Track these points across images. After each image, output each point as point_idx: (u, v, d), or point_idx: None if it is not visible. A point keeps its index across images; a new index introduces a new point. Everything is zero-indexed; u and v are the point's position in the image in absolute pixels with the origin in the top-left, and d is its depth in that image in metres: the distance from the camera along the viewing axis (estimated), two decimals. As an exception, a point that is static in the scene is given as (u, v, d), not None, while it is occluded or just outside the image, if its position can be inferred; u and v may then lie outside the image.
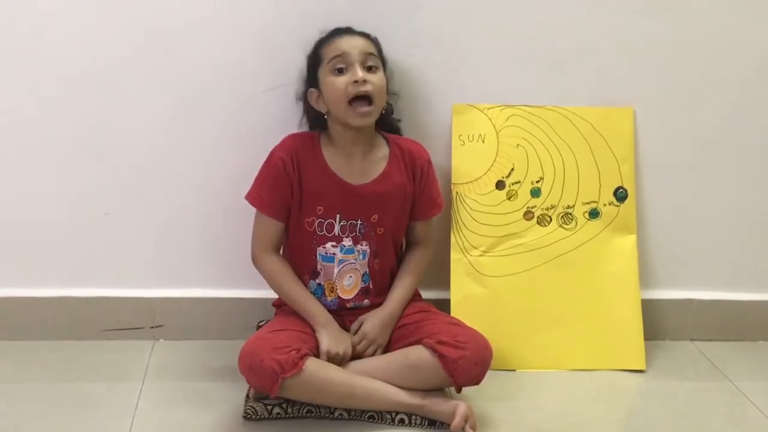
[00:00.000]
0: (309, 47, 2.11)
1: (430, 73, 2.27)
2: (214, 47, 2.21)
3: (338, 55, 2.03)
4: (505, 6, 2.26)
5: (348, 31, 2.08)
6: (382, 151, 2.14)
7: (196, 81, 2.22)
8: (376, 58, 2.06)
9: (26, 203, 2.27)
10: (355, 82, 2.00)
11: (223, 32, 2.21)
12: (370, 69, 2.04)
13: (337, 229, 2.10)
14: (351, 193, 2.09)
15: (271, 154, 2.10)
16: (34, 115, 2.22)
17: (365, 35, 2.08)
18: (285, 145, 2.10)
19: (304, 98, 2.13)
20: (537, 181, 2.33)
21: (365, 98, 2.02)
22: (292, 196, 2.08)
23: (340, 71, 2.03)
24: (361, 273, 2.13)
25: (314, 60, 2.08)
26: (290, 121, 2.19)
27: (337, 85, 2.02)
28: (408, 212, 2.17)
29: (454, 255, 2.31)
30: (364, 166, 2.11)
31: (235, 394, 2.05)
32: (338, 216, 2.09)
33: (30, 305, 2.29)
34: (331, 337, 2.02)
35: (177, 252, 2.34)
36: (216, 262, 2.34)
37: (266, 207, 2.10)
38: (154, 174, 2.28)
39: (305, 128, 2.18)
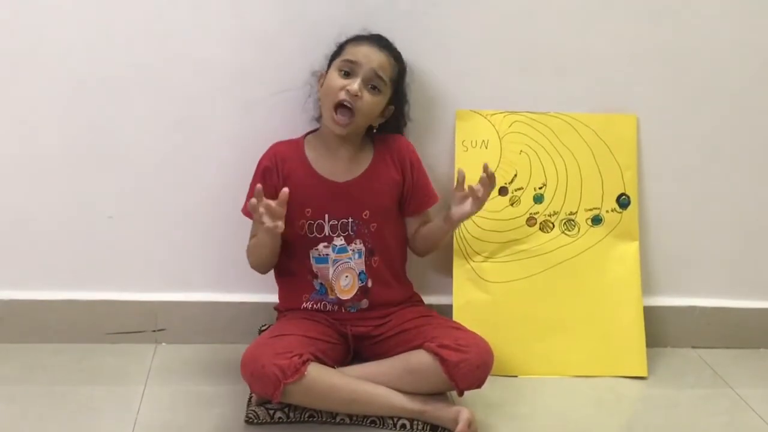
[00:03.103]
0: (342, 38, 2.13)
1: (434, 79, 2.27)
2: (219, 53, 2.22)
3: (351, 61, 2.05)
4: (509, 13, 2.26)
5: (380, 43, 2.09)
6: (368, 149, 2.17)
7: (200, 86, 2.23)
8: (384, 82, 2.07)
9: (30, 206, 2.27)
10: (348, 91, 2.02)
11: (229, 38, 2.21)
12: (373, 88, 2.05)
13: (327, 229, 2.11)
14: (338, 192, 2.11)
15: (258, 164, 2.14)
16: (38, 120, 2.22)
17: (393, 56, 2.09)
18: (269, 152, 2.14)
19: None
20: (540, 188, 2.34)
21: (349, 109, 2.04)
22: None
23: (346, 74, 2.05)
24: (357, 272, 2.14)
25: (337, 50, 2.11)
26: (294, 127, 2.20)
27: (333, 83, 2.05)
28: (400, 207, 2.18)
29: (457, 261, 2.32)
30: (351, 165, 2.14)
31: (237, 398, 2.06)
32: (327, 216, 2.10)
33: (33, 308, 2.29)
34: None
35: (180, 256, 2.34)
36: (219, 265, 2.35)
37: None
38: (158, 178, 2.28)
39: (311, 117, 2.21)
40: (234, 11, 2.20)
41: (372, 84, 2.06)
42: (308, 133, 2.19)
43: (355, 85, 2.03)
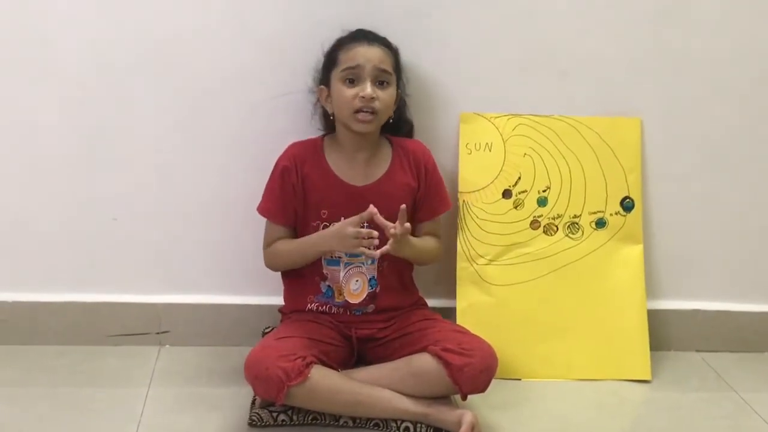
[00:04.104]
0: (327, 44, 2.12)
1: (438, 81, 2.27)
2: (222, 55, 2.22)
3: (352, 67, 2.04)
4: (513, 16, 2.26)
5: (368, 38, 2.08)
6: (386, 153, 2.17)
7: (204, 88, 2.23)
8: (389, 74, 2.07)
9: (34, 208, 2.28)
10: (363, 97, 2.03)
11: (231, 40, 2.21)
12: (381, 84, 2.06)
13: None
14: (355, 195, 2.10)
15: (276, 164, 2.13)
16: (42, 122, 2.23)
17: (385, 45, 2.09)
18: (288, 153, 2.14)
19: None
20: (544, 191, 2.34)
21: (370, 113, 2.05)
22: (297, 202, 2.10)
23: (351, 82, 2.05)
24: (368, 277, 2.14)
25: (330, 61, 2.10)
26: (298, 129, 2.20)
27: (345, 95, 2.05)
28: (414, 212, 2.17)
29: (460, 263, 2.32)
30: (368, 169, 2.14)
31: (240, 400, 2.06)
32: (342, 219, 2.09)
33: (36, 310, 2.30)
34: (338, 231, 2.02)
35: (183, 258, 2.34)
36: (222, 268, 2.35)
37: (274, 215, 2.13)
38: (161, 180, 2.28)
39: (314, 126, 2.21)
40: (236, 13, 2.20)
41: (380, 80, 2.06)
42: (325, 135, 2.19)
43: (368, 89, 2.03)
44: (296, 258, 2.13)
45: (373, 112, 2.05)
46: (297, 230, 2.15)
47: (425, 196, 2.16)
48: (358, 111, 2.04)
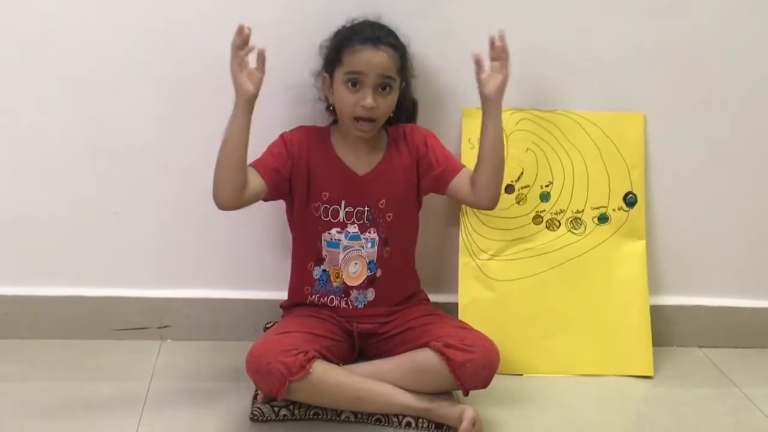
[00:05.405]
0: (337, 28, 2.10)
1: (441, 76, 2.27)
2: (224, 48, 2.21)
3: (355, 72, 2.03)
4: (516, 10, 2.26)
5: (375, 39, 2.04)
6: (383, 139, 2.17)
7: (206, 82, 2.22)
8: (393, 79, 2.05)
9: (35, 203, 2.27)
10: (363, 106, 2.02)
11: (233, 33, 2.20)
12: (384, 89, 2.04)
13: (342, 216, 2.11)
14: (357, 182, 2.11)
15: (281, 135, 2.12)
16: (44, 117, 2.22)
17: (392, 46, 2.05)
18: (297, 131, 2.15)
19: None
20: (546, 186, 2.33)
21: (370, 120, 2.04)
22: (297, 180, 2.09)
23: (354, 85, 2.03)
24: (367, 261, 2.14)
25: (335, 56, 2.07)
26: (300, 123, 2.19)
27: (345, 99, 2.04)
28: (434, 183, 2.15)
29: (463, 258, 2.31)
30: (370, 158, 2.14)
31: (242, 395, 2.06)
32: (343, 202, 2.11)
33: (38, 304, 2.30)
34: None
35: (185, 252, 2.34)
36: (224, 262, 2.35)
37: (263, 166, 2.06)
38: (162, 174, 2.28)
39: (316, 121, 2.21)
40: (239, 6, 2.19)
41: (382, 86, 2.04)
42: (331, 124, 2.18)
43: (368, 99, 2.01)
44: (225, 149, 1.99)
45: (373, 120, 2.04)
46: (297, 209, 2.12)
47: (432, 166, 2.13)
48: (357, 119, 2.04)
